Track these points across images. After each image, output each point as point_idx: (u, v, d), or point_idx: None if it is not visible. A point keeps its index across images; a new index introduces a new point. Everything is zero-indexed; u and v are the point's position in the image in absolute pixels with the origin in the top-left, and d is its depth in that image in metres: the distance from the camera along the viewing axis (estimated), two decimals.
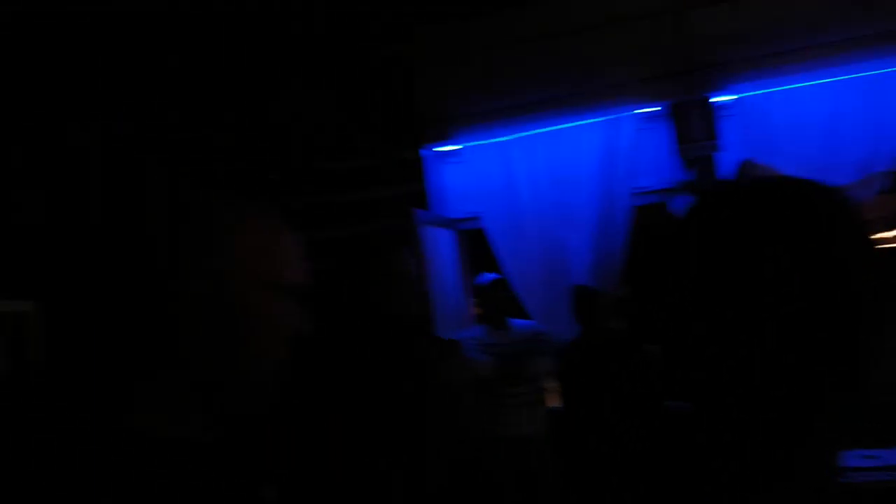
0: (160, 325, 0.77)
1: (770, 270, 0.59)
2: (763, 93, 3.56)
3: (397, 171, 3.94)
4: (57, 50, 3.85)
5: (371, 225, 3.90)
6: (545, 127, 3.76)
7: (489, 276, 3.84)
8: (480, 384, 3.65)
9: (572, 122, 3.73)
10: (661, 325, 0.67)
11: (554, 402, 3.75)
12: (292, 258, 0.83)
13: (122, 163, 4.16)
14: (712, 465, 0.63)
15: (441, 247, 3.93)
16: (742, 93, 3.59)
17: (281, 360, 0.81)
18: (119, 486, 0.69)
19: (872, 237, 0.63)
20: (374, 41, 3.96)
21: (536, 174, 3.77)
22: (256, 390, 0.80)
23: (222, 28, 3.78)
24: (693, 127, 3.61)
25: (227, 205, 0.82)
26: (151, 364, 0.78)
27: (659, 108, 3.68)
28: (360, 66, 4.01)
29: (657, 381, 3.48)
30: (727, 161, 3.56)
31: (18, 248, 4.46)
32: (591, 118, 3.71)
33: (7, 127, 4.27)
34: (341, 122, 4.09)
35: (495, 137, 3.82)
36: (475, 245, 4.17)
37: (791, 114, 3.53)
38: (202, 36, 3.86)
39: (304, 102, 4.16)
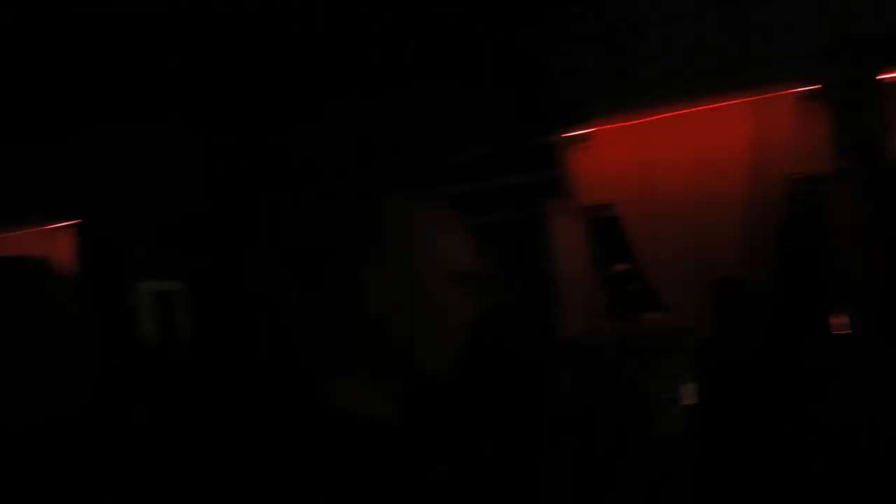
0: (357, 313, 0.85)
1: None
2: None
3: (528, 159, 3.85)
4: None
5: (501, 215, 3.83)
6: (691, 106, 3.52)
7: (622, 267, 3.68)
8: (613, 381, 3.53)
9: (722, 100, 3.47)
10: None
11: (691, 400, 3.53)
12: (466, 248, 0.89)
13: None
14: None
15: (571, 236, 3.81)
16: None
17: (458, 344, 0.87)
18: (319, 460, 0.75)
19: None
20: (505, 24, 3.89)
21: (680, 157, 3.54)
22: (438, 372, 0.87)
23: (344, 18, 3.82)
24: (858, 107, 3.28)
25: (409, 197, 0.90)
26: (350, 349, 0.86)
27: (819, 86, 3.36)
28: (489, 50, 3.95)
29: (804, 382, 3.23)
30: None
31: (175, 236, 4.79)
32: (742, 96, 3.44)
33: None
34: (470, 108, 4.05)
35: (634, 119, 3.62)
36: (608, 234, 4.00)
37: None
38: (321, 27, 3.92)
39: (431, 90, 4.15)
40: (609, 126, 3.71)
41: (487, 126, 3.97)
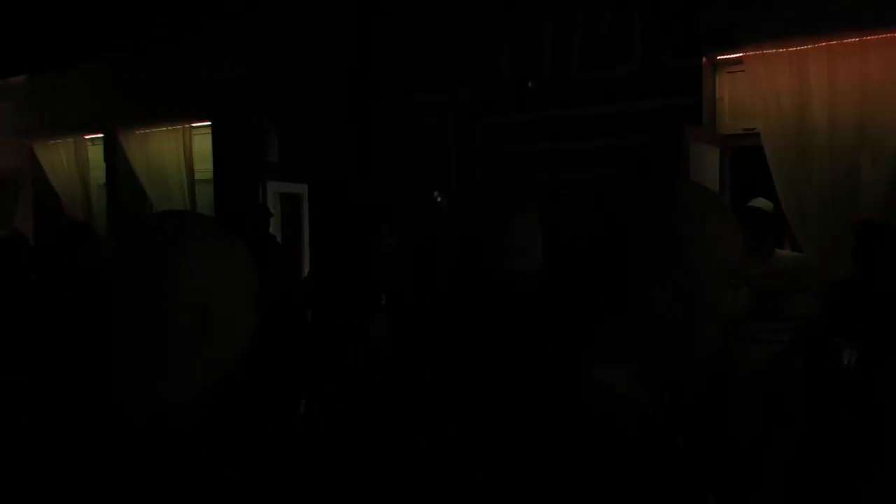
0: (644, 310, 0.85)
1: None
2: None
3: (669, 81, 3.72)
4: None
5: (635, 139, 3.75)
6: (853, 35, 3.27)
7: (759, 201, 3.56)
8: (732, 317, 3.46)
9: (888, 30, 3.22)
10: None
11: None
12: (739, 243, 0.89)
13: None
14: None
15: (708, 166, 3.69)
16: None
17: (715, 338, 0.88)
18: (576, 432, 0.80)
19: None
20: None
21: (835, 90, 3.33)
22: (700, 365, 0.89)
23: None
24: None
25: (696, 196, 0.88)
26: (625, 337, 0.88)
27: None
28: None
29: None
30: None
31: None
32: None
33: None
34: (611, 25, 3.92)
35: (789, 46, 3.41)
36: (747, 166, 3.86)
37: None
38: None
39: (575, 7, 4.04)
40: (761, 52, 3.50)
41: (628, 44, 3.84)
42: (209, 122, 5.45)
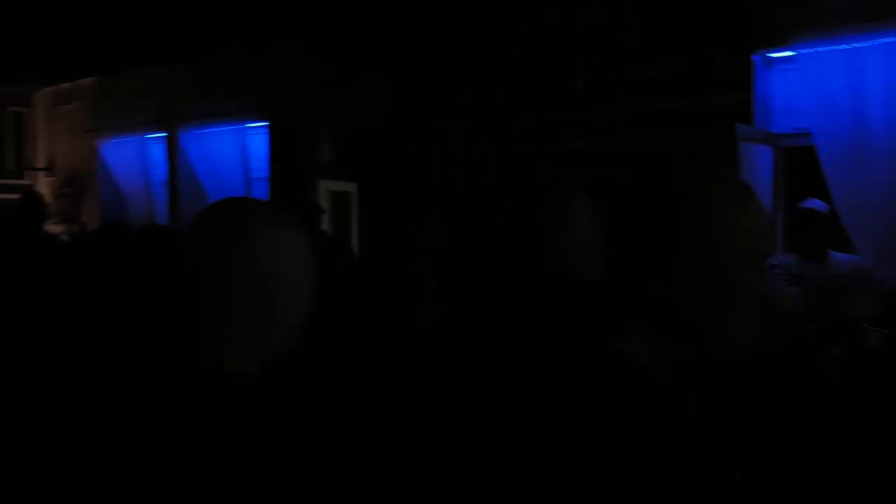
0: (669, 286, 0.87)
1: None
2: None
3: (720, 79, 3.66)
4: None
5: (685, 137, 3.70)
6: None
7: (814, 202, 3.47)
8: (780, 317, 3.40)
9: None
10: None
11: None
12: (764, 227, 0.91)
13: None
14: None
15: (760, 165, 3.62)
16: None
17: (749, 318, 0.89)
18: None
19: None
20: None
21: (892, 88, 3.22)
22: (726, 346, 0.90)
23: None
24: None
25: (721, 179, 0.89)
26: (648, 312, 0.89)
27: None
28: None
29: None
30: None
31: None
32: None
33: None
34: (660, 21, 3.87)
35: (844, 43, 3.32)
36: (800, 166, 3.77)
37: None
38: None
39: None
40: (819, 48, 3.41)
41: (677, 40, 3.79)
42: (265, 123, 5.61)
